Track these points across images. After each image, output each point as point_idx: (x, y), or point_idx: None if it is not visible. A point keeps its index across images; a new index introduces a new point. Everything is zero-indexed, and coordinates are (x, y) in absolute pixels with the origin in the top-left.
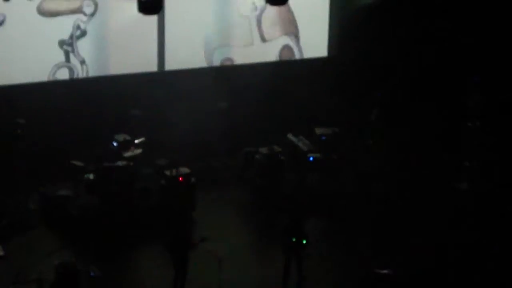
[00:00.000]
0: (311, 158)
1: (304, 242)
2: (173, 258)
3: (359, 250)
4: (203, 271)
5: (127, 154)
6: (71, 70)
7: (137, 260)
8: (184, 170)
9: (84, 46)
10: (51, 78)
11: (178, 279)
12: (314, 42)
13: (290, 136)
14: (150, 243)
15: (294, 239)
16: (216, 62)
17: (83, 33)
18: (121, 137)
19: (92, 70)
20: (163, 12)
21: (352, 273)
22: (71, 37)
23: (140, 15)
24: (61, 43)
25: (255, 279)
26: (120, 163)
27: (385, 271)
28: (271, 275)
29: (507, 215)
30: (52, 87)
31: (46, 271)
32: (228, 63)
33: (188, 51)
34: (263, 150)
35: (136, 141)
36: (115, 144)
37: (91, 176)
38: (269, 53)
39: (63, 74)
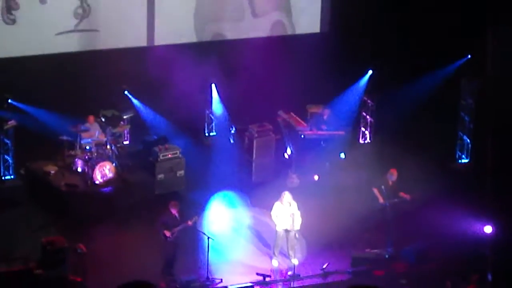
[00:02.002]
0: (302, 136)
1: None
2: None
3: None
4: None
5: (116, 130)
6: None
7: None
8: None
9: None
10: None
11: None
12: (307, 18)
13: (281, 113)
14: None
15: None
16: (207, 37)
17: None
18: (109, 112)
19: (81, 44)
20: None
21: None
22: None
23: None
24: None
25: None
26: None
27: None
28: None
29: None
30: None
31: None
32: (219, 38)
33: (178, 25)
34: (254, 126)
35: (124, 116)
36: (103, 120)
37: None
38: (261, 29)
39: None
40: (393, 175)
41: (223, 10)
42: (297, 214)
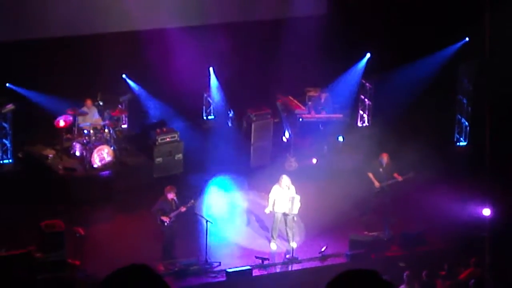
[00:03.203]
0: (300, 119)
1: None
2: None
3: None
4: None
5: (114, 114)
6: None
7: (125, 221)
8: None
9: None
10: None
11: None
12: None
13: (279, 96)
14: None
15: None
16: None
17: None
18: (107, 95)
19: (79, 27)
20: None
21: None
22: None
23: None
24: None
25: None
26: None
27: (374, 233)
28: None
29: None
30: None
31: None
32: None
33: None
34: (252, 110)
35: (121, 99)
36: (101, 103)
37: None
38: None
39: None
40: (383, 159)
41: None
42: (297, 198)
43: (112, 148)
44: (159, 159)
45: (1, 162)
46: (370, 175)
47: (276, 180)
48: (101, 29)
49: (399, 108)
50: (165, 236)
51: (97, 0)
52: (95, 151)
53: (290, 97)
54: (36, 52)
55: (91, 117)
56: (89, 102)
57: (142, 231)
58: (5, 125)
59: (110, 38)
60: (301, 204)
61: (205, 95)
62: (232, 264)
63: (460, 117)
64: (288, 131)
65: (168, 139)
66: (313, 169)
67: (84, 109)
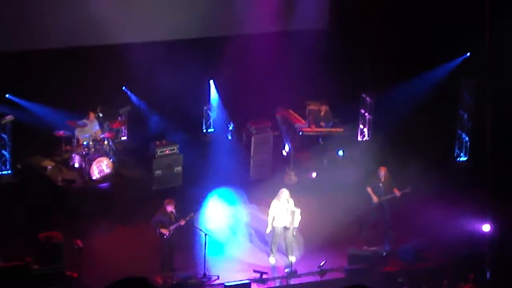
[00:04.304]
0: (300, 133)
1: None
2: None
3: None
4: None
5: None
6: None
7: (123, 234)
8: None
9: None
10: None
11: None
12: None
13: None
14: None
15: None
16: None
17: None
18: (107, 107)
19: (79, 39)
20: None
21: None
22: None
23: None
24: None
25: None
26: None
27: (373, 248)
28: None
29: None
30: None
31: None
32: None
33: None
34: (252, 123)
35: (121, 111)
36: (100, 115)
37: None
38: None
39: None
40: (381, 172)
41: (221, 5)
42: (298, 211)
43: (111, 160)
44: (158, 172)
45: (0, 173)
46: (369, 190)
47: (275, 194)
48: (101, 41)
49: (400, 122)
50: (163, 248)
51: (97, 12)
52: (94, 163)
53: (290, 111)
54: (36, 64)
55: (91, 129)
56: (92, 115)
57: (141, 243)
58: (4, 136)
59: (110, 50)
60: (301, 217)
61: (205, 107)
62: (231, 278)
63: (460, 132)
64: (288, 145)
65: (167, 151)
66: (312, 183)
67: (85, 121)
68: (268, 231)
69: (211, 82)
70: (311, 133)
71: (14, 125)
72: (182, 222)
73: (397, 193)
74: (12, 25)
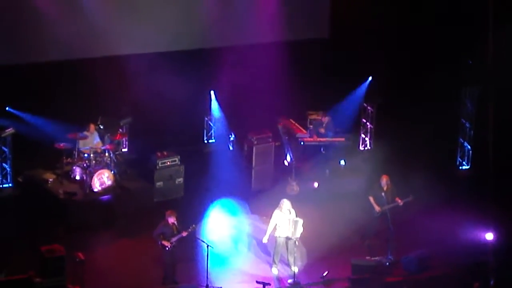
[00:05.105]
0: (302, 143)
1: None
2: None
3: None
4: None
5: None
6: None
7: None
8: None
9: None
10: None
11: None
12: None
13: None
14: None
15: None
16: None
17: None
18: (107, 119)
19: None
20: None
21: None
22: None
23: None
24: None
25: None
26: None
27: (376, 258)
28: None
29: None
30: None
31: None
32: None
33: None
34: (253, 133)
35: (122, 123)
36: (101, 127)
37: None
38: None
39: None
40: (383, 181)
41: (221, 16)
42: (300, 221)
43: (112, 172)
44: (159, 183)
45: (1, 186)
46: (371, 199)
47: (277, 204)
48: (101, 53)
49: (401, 131)
50: (166, 260)
51: (96, 24)
52: (96, 175)
53: (292, 121)
54: (36, 76)
55: (91, 141)
56: (92, 127)
57: (143, 255)
58: (5, 149)
59: (110, 61)
60: (303, 228)
61: (206, 118)
62: None
63: (462, 140)
64: (289, 155)
65: (168, 163)
66: (314, 193)
67: (85, 133)
68: (265, 240)
69: (212, 92)
70: (312, 143)
71: (14, 138)
72: (184, 234)
73: (399, 202)
74: (12, 38)
